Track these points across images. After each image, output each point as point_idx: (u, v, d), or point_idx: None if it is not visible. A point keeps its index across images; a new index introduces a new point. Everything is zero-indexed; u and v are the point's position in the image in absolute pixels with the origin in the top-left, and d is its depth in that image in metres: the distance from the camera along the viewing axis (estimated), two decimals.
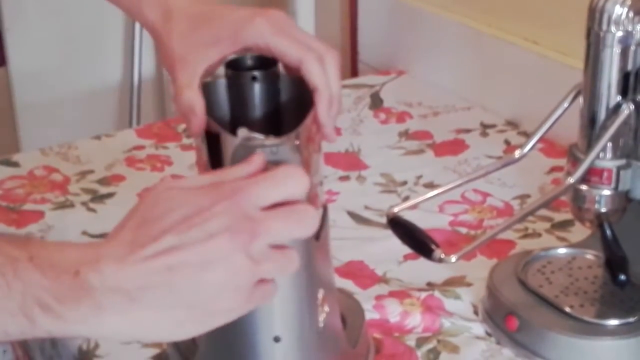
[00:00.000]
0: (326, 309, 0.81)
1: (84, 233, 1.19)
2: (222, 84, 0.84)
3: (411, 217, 0.96)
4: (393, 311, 1.02)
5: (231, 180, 0.67)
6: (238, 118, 0.84)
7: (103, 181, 1.32)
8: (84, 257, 0.64)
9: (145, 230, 0.64)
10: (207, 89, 0.83)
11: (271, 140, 0.71)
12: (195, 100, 0.82)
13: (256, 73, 0.83)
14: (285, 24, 0.84)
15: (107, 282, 0.63)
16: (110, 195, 1.28)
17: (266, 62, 0.84)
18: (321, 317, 0.80)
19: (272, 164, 0.68)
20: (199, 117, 0.81)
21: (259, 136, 0.73)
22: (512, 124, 1.46)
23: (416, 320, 1.01)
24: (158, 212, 0.65)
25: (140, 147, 1.41)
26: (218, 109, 0.84)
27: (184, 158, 1.37)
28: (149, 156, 1.39)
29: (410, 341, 0.98)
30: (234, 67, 0.84)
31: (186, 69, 0.84)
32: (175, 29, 0.86)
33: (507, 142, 1.41)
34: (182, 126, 1.47)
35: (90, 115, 2.10)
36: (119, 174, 1.34)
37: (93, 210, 1.25)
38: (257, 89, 0.83)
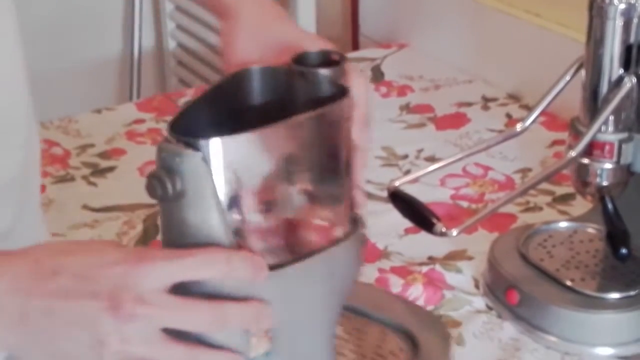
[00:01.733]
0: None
1: (85, 207, 1.19)
2: (256, 72, 0.78)
3: (412, 190, 0.95)
4: (395, 283, 1.03)
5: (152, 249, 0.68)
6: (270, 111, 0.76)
7: (103, 155, 1.31)
8: None
9: (54, 259, 0.66)
10: (240, 78, 0.78)
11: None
12: None
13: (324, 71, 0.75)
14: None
15: None
16: (110, 169, 1.28)
17: (329, 60, 0.77)
18: None
19: None
20: None
21: None
22: (513, 97, 1.45)
23: (418, 291, 1.01)
24: (75, 248, 0.67)
25: (140, 121, 1.41)
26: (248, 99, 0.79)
27: None
28: (150, 130, 1.38)
29: None
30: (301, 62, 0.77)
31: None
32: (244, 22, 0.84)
33: (508, 116, 1.40)
34: (183, 100, 1.47)
35: (90, 89, 2.10)
36: (119, 148, 1.33)
37: (94, 184, 1.25)
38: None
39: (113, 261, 0.65)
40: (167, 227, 0.71)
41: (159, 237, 1.12)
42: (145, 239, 1.12)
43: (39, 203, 0.97)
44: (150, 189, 0.68)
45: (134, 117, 1.42)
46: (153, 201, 1.18)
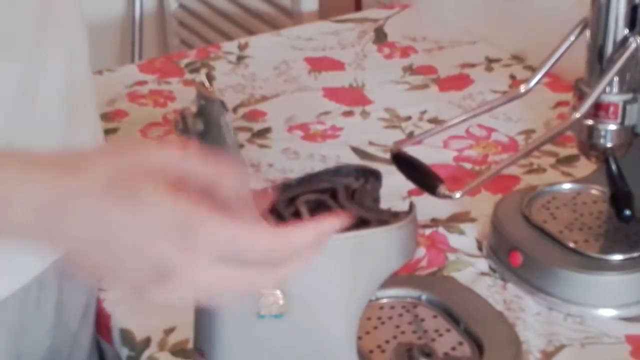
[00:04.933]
0: None
1: None
2: None
3: (415, 152, 0.95)
4: None
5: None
6: None
7: (105, 117, 1.31)
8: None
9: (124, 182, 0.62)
10: None
11: None
12: None
13: None
14: None
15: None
16: (113, 130, 1.27)
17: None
18: None
19: None
20: None
21: None
22: (517, 58, 1.44)
23: (421, 253, 1.01)
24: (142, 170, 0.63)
25: (142, 83, 1.40)
26: None
27: (187, 93, 1.36)
28: (152, 91, 1.38)
29: None
30: None
31: None
32: None
33: (512, 77, 1.40)
34: (185, 61, 1.46)
35: (91, 50, 2.08)
36: (121, 110, 1.33)
37: None
38: None
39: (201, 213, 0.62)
40: None
41: None
42: None
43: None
44: (175, 123, 0.69)
45: (136, 78, 1.41)
46: None
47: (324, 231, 0.65)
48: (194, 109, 0.70)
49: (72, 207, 0.63)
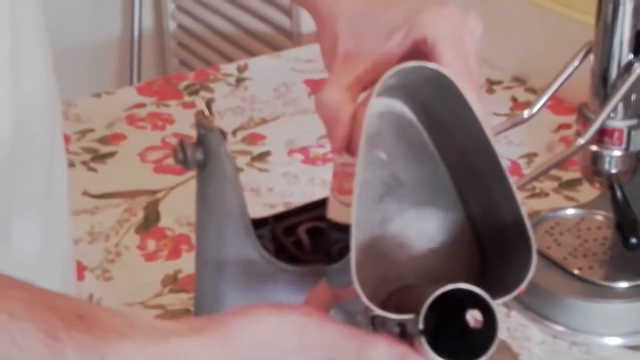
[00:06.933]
0: None
1: (85, 193, 1.17)
2: None
3: None
4: None
5: None
6: None
7: (103, 140, 1.30)
8: None
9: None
10: None
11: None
12: (340, 103, 0.62)
13: None
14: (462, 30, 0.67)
15: None
16: (111, 154, 1.26)
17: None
18: None
19: None
20: (342, 126, 0.62)
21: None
22: (519, 80, 1.43)
23: None
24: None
25: (141, 105, 1.39)
26: None
27: (186, 116, 1.35)
28: (150, 114, 1.37)
29: None
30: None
31: (345, 63, 0.65)
32: (344, 12, 0.67)
33: (514, 99, 1.38)
34: (184, 83, 1.45)
35: (89, 72, 2.08)
36: (119, 133, 1.32)
37: (94, 169, 1.23)
38: None
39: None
40: (196, 195, 0.72)
41: (160, 224, 1.11)
42: (146, 226, 1.11)
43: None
44: (174, 153, 0.69)
45: (135, 101, 1.40)
46: (154, 187, 1.18)
47: None
48: (193, 139, 0.69)
49: None
